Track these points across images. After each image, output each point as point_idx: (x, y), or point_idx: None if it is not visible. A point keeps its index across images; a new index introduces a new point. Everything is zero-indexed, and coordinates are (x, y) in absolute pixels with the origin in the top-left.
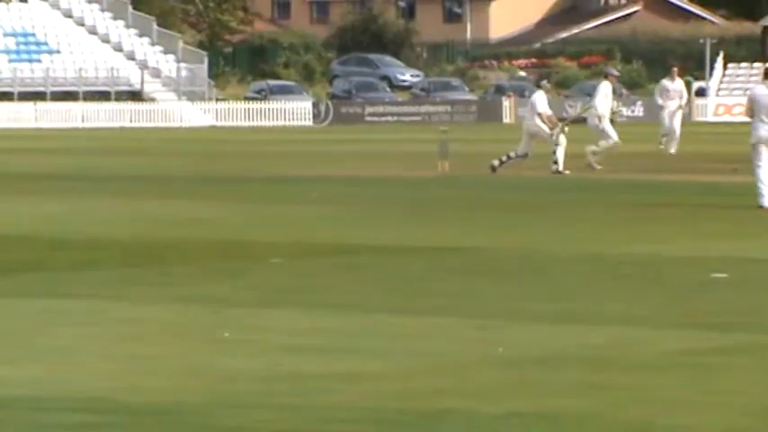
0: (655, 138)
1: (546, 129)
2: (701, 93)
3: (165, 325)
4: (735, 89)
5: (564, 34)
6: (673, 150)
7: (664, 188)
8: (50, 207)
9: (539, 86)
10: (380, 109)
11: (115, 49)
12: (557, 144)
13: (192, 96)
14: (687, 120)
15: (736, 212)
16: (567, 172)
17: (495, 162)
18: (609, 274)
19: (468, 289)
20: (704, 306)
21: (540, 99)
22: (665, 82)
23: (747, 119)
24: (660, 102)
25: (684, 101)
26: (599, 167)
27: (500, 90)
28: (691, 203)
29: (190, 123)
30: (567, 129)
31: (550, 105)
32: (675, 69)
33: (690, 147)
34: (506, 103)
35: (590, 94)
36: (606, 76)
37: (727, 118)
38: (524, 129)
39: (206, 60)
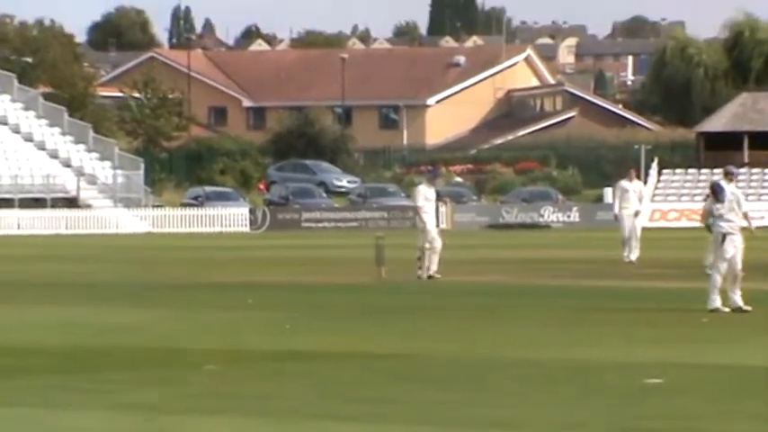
0: (588, 243)
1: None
2: None
3: None
4: (670, 195)
5: (500, 140)
6: (634, 257)
7: (599, 293)
8: None
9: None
10: (317, 215)
11: (51, 156)
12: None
13: (129, 203)
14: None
15: (670, 317)
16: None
17: (429, 271)
18: (545, 379)
19: (406, 395)
20: (640, 412)
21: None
22: (624, 183)
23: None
24: (616, 207)
25: (645, 202)
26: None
27: (437, 196)
28: (625, 308)
29: (126, 230)
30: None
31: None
32: (633, 171)
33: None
34: (443, 209)
35: (525, 199)
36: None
37: (662, 223)
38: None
39: (142, 167)
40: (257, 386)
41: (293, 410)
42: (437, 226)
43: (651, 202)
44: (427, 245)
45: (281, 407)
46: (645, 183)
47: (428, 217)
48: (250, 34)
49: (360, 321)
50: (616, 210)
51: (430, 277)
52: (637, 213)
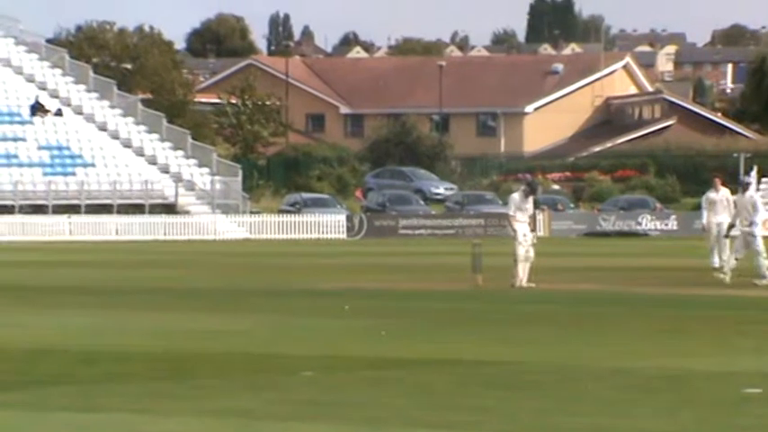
0: (686, 251)
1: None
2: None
3: None
4: None
5: (598, 148)
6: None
7: (696, 302)
8: (81, 320)
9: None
10: (414, 222)
11: (149, 162)
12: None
13: (226, 209)
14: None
15: (767, 326)
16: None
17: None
18: (640, 389)
19: (502, 403)
20: (737, 422)
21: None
22: (711, 194)
23: None
24: (704, 215)
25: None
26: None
27: (534, 203)
28: (723, 317)
29: (224, 236)
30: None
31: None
32: (718, 180)
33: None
34: (540, 216)
35: (623, 207)
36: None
37: (763, 232)
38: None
39: (240, 173)
40: (353, 393)
41: (388, 418)
42: (534, 235)
43: None
44: (522, 254)
45: (377, 414)
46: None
47: (520, 226)
48: (348, 41)
49: (456, 329)
50: (703, 220)
51: (520, 287)
52: (730, 224)
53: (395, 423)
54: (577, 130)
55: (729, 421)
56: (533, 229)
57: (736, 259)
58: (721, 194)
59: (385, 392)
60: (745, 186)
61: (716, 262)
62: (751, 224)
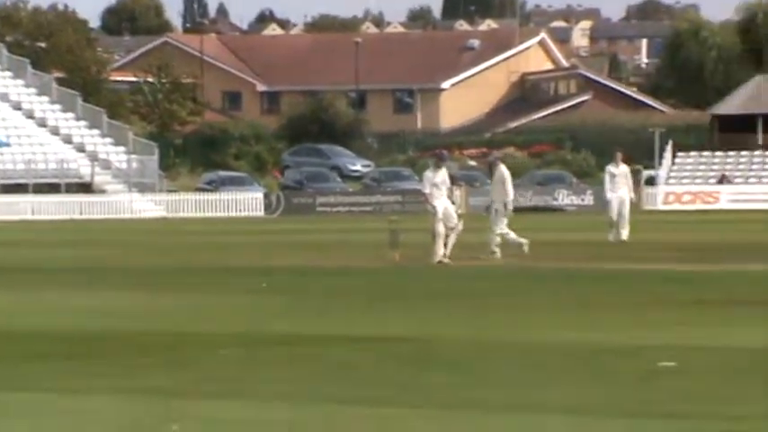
0: (602, 226)
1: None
2: (651, 181)
3: (112, 417)
4: (684, 178)
5: (514, 124)
6: (623, 237)
7: (611, 276)
8: None
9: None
10: (332, 199)
11: (65, 141)
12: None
13: (143, 188)
14: (636, 208)
15: (684, 300)
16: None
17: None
18: (557, 363)
19: (416, 379)
20: (652, 395)
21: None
22: (610, 167)
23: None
24: (607, 189)
25: (631, 185)
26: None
27: (451, 180)
28: (639, 291)
29: (140, 215)
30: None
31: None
32: (619, 154)
33: (639, 235)
34: (457, 192)
35: (539, 182)
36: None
37: (676, 206)
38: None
39: (156, 152)
40: (270, 370)
41: (305, 394)
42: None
43: (665, 185)
44: (446, 226)
45: (294, 391)
46: (660, 165)
47: (439, 201)
48: (264, 19)
49: (373, 306)
50: (607, 194)
51: (439, 262)
52: (629, 194)
53: (312, 399)
54: (493, 106)
55: (642, 395)
56: (454, 202)
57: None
58: (621, 169)
59: (302, 369)
60: (495, 163)
61: (612, 236)
62: (505, 203)
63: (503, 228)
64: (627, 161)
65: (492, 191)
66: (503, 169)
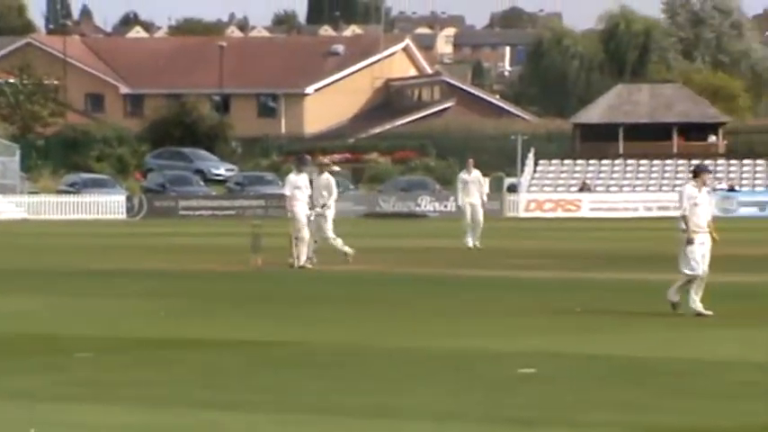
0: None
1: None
2: (513, 188)
3: None
4: (546, 185)
5: (378, 129)
6: (477, 243)
7: (473, 283)
8: None
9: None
10: (194, 203)
11: None
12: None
13: (4, 189)
14: (499, 215)
15: (546, 307)
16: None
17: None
18: (423, 369)
19: (286, 383)
20: (513, 401)
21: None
22: (463, 174)
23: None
24: (460, 196)
25: (485, 191)
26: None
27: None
28: (502, 298)
29: (1, 216)
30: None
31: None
32: (471, 161)
33: (500, 242)
34: None
35: (402, 188)
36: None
37: (538, 214)
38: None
39: (18, 153)
40: (134, 373)
41: (169, 398)
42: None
43: (527, 193)
44: (296, 234)
45: (157, 394)
46: (522, 173)
47: (299, 205)
48: (128, 21)
49: (237, 309)
50: (459, 201)
51: (301, 267)
52: (481, 201)
53: (177, 403)
54: (357, 112)
55: (505, 400)
56: (312, 207)
57: (315, 242)
58: (474, 175)
59: (167, 373)
60: (322, 168)
61: (470, 242)
62: (323, 206)
63: (329, 233)
64: (489, 168)
65: (316, 196)
66: (328, 176)
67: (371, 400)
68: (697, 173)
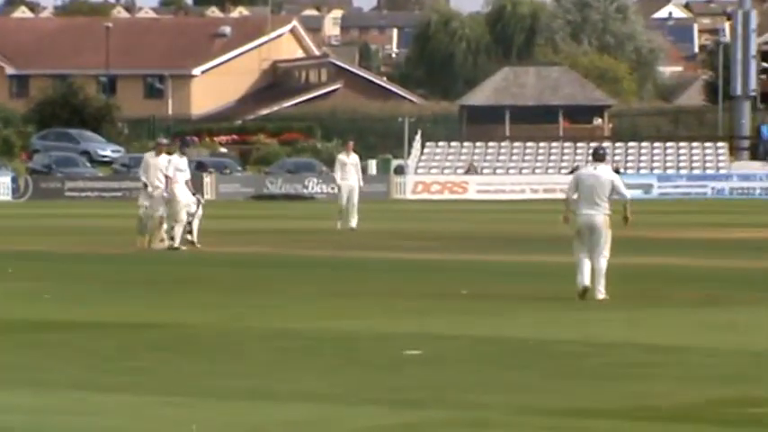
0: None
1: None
2: (400, 170)
3: None
4: (433, 168)
5: (265, 111)
6: (353, 225)
7: (358, 264)
8: None
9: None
10: (81, 184)
11: None
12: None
13: None
14: (386, 197)
15: (430, 289)
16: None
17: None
18: (304, 350)
19: (163, 366)
20: (398, 382)
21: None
22: (342, 156)
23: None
24: (338, 178)
25: (361, 174)
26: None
27: (201, 166)
28: (386, 279)
29: None
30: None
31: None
32: (351, 143)
33: (388, 224)
34: (207, 179)
35: (290, 170)
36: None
37: (425, 196)
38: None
39: None
40: (14, 356)
41: (49, 381)
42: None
43: (414, 175)
44: (175, 216)
45: (37, 378)
46: (408, 155)
47: (178, 187)
48: (13, 1)
49: (120, 292)
50: (338, 181)
51: (176, 248)
52: (358, 183)
53: (56, 385)
54: (245, 94)
55: (388, 382)
56: (194, 193)
57: (189, 222)
58: (352, 158)
59: (48, 355)
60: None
61: (339, 224)
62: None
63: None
64: (376, 151)
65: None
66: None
67: (248, 383)
68: (598, 155)
